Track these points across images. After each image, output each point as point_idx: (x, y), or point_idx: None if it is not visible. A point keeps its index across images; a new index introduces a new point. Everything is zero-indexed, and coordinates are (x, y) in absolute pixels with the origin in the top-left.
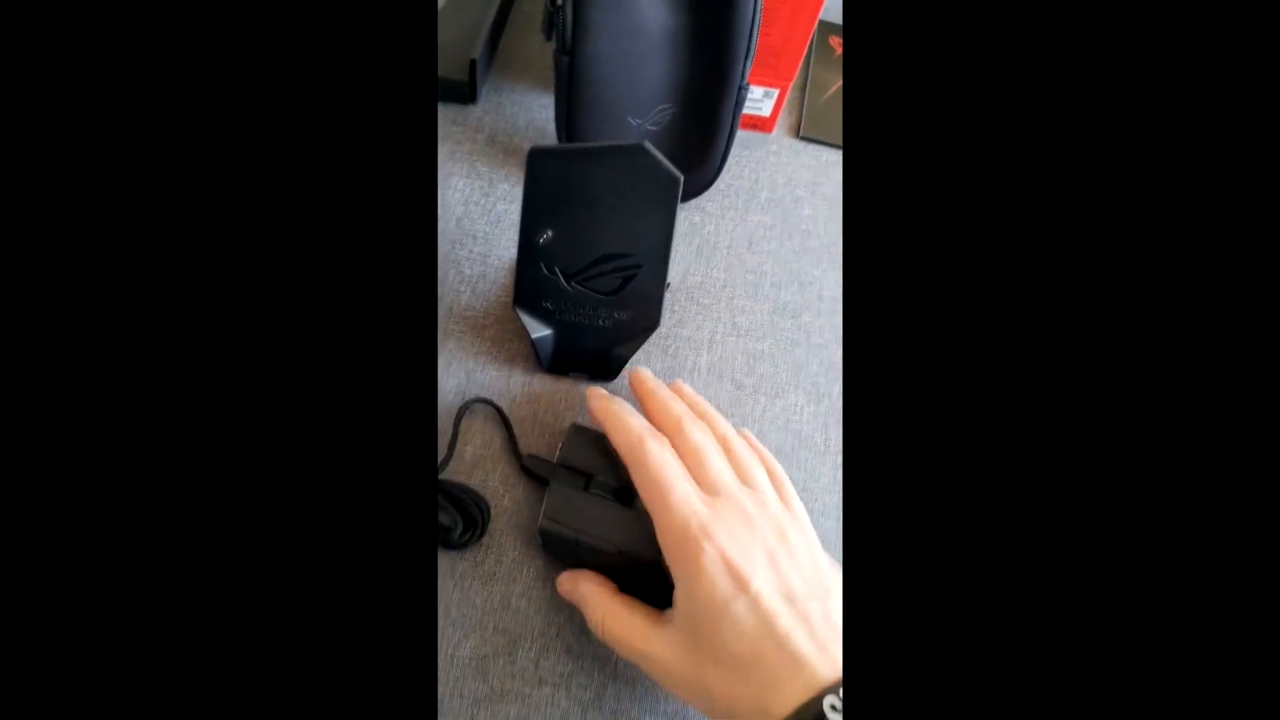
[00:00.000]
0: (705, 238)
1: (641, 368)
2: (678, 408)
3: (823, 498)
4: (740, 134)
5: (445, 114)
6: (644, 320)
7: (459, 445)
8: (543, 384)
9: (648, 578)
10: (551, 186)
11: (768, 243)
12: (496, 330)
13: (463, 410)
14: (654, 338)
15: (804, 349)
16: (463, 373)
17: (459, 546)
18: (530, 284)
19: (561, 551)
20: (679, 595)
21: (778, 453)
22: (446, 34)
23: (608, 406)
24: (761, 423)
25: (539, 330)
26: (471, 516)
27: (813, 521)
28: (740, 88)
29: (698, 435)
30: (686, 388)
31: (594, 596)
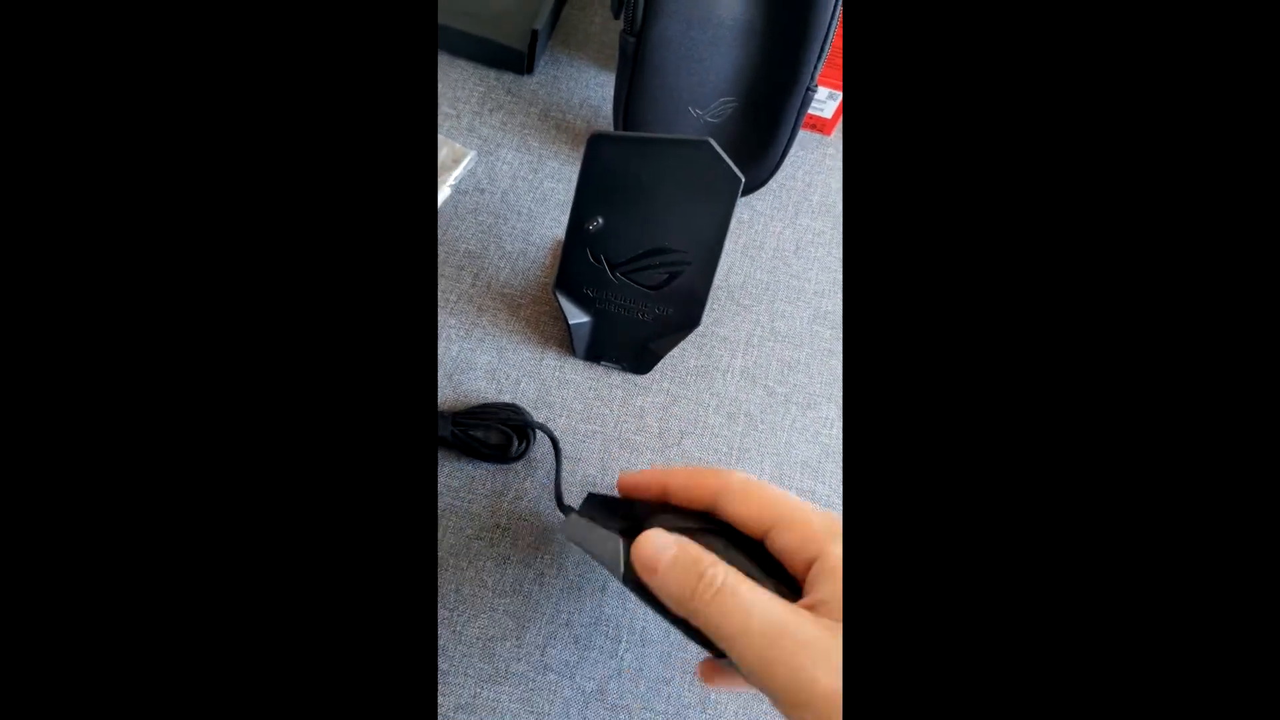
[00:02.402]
0: (752, 237)
1: (624, 472)
2: (708, 474)
3: None
4: (798, 135)
5: (500, 82)
6: (685, 318)
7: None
8: (574, 370)
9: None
10: (608, 173)
11: (815, 248)
12: (532, 311)
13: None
14: (693, 334)
15: (839, 361)
16: (495, 350)
17: (518, 457)
18: (574, 269)
19: (587, 538)
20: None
21: (804, 466)
22: (510, 0)
23: (645, 558)
24: (790, 433)
25: (577, 317)
26: (519, 428)
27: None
28: (808, 89)
29: (753, 481)
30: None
31: (706, 556)
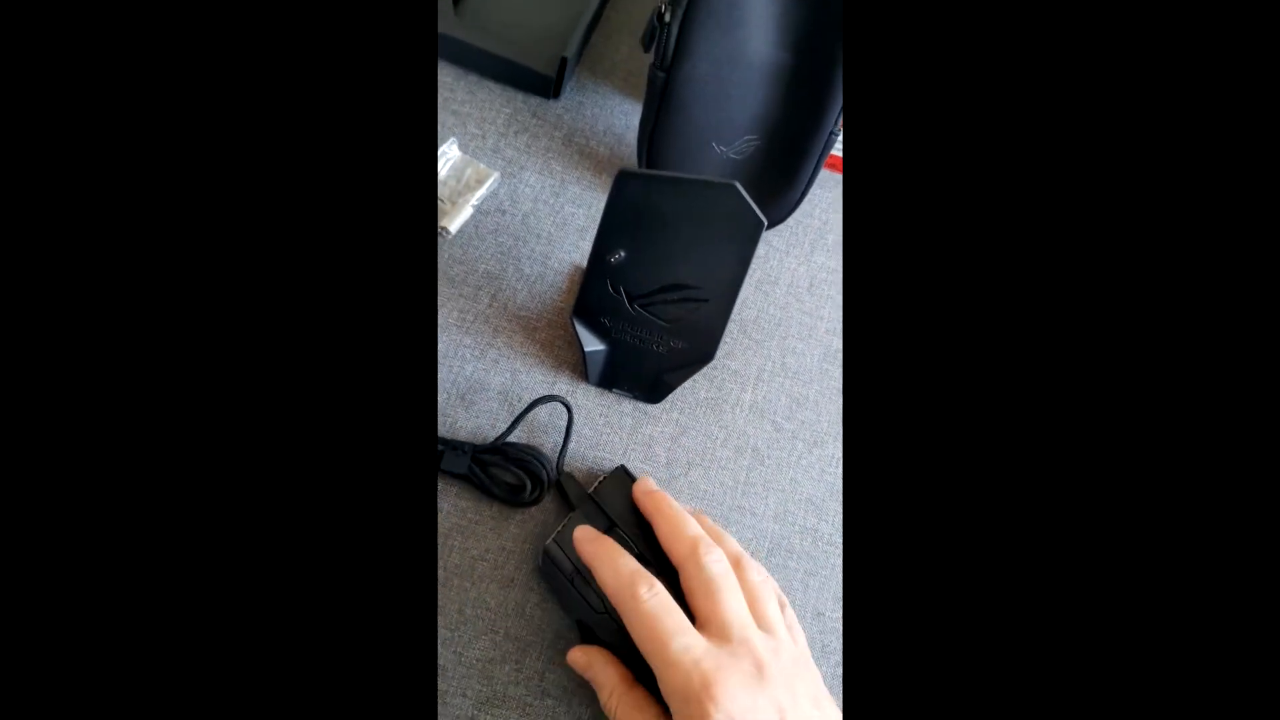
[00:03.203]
0: (767, 272)
1: (645, 478)
2: (692, 530)
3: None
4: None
5: (527, 105)
6: (699, 352)
7: (519, 428)
8: (586, 396)
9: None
10: (633, 208)
11: (829, 287)
12: (548, 335)
13: (537, 402)
14: (703, 368)
15: None
16: (509, 372)
17: (530, 503)
18: (593, 299)
19: (553, 582)
20: None
21: (808, 503)
22: (540, 25)
23: (595, 549)
24: (796, 470)
25: (593, 344)
26: (536, 475)
27: (832, 580)
28: (832, 131)
29: (714, 566)
30: (686, 507)
31: (609, 680)
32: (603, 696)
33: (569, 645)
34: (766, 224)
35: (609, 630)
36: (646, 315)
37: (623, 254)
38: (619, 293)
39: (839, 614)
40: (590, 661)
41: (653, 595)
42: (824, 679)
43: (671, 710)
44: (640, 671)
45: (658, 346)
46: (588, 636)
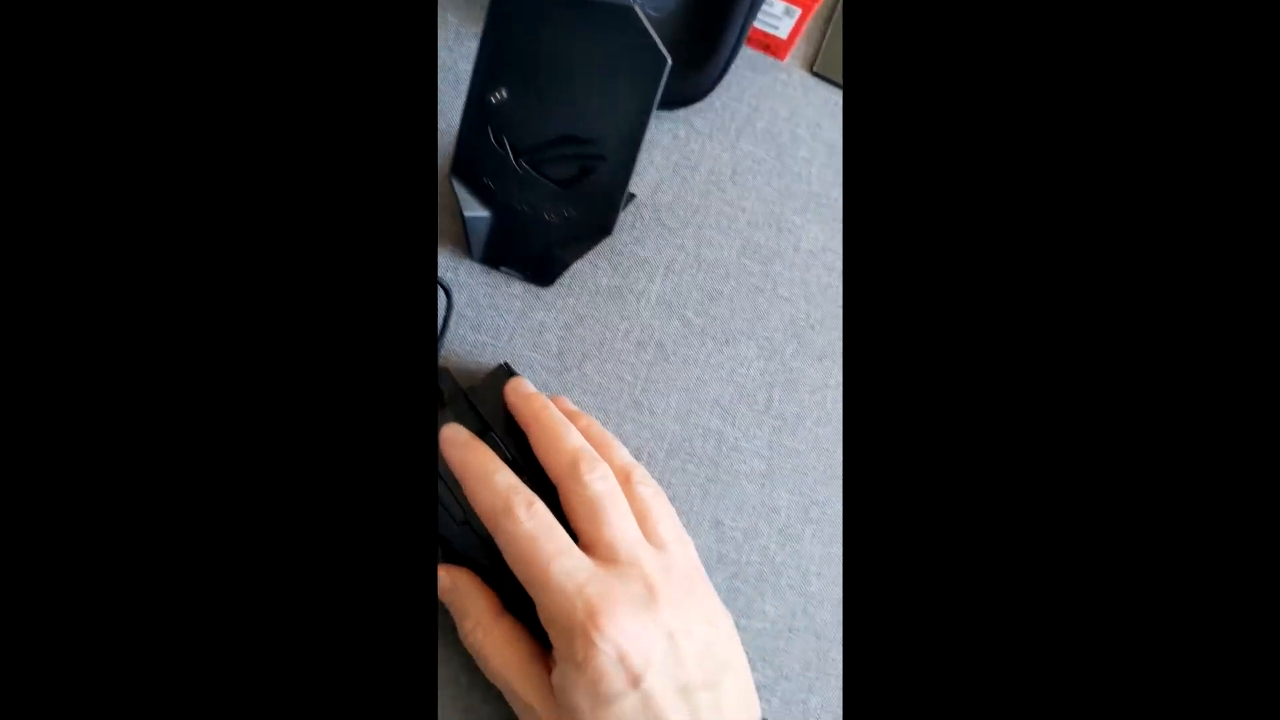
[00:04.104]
0: (685, 156)
1: (520, 379)
2: (572, 442)
3: (751, 461)
4: (748, 53)
5: None
6: (596, 223)
7: None
8: (470, 274)
9: (523, 592)
10: (518, 37)
11: (753, 177)
12: None
13: None
14: (607, 250)
15: (767, 298)
16: None
17: None
18: (474, 153)
19: None
20: (557, 675)
21: (715, 405)
22: None
23: (466, 457)
24: (704, 369)
25: (475, 210)
26: None
27: (734, 488)
28: (754, 1)
29: (597, 484)
30: (569, 403)
31: (473, 608)
32: (465, 627)
33: None
34: (685, 97)
35: (469, 544)
36: (535, 176)
37: (505, 94)
38: (503, 146)
39: (739, 524)
40: (454, 583)
41: (531, 516)
42: (717, 591)
43: (552, 641)
44: (510, 598)
45: (549, 215)
46: (445, 552)
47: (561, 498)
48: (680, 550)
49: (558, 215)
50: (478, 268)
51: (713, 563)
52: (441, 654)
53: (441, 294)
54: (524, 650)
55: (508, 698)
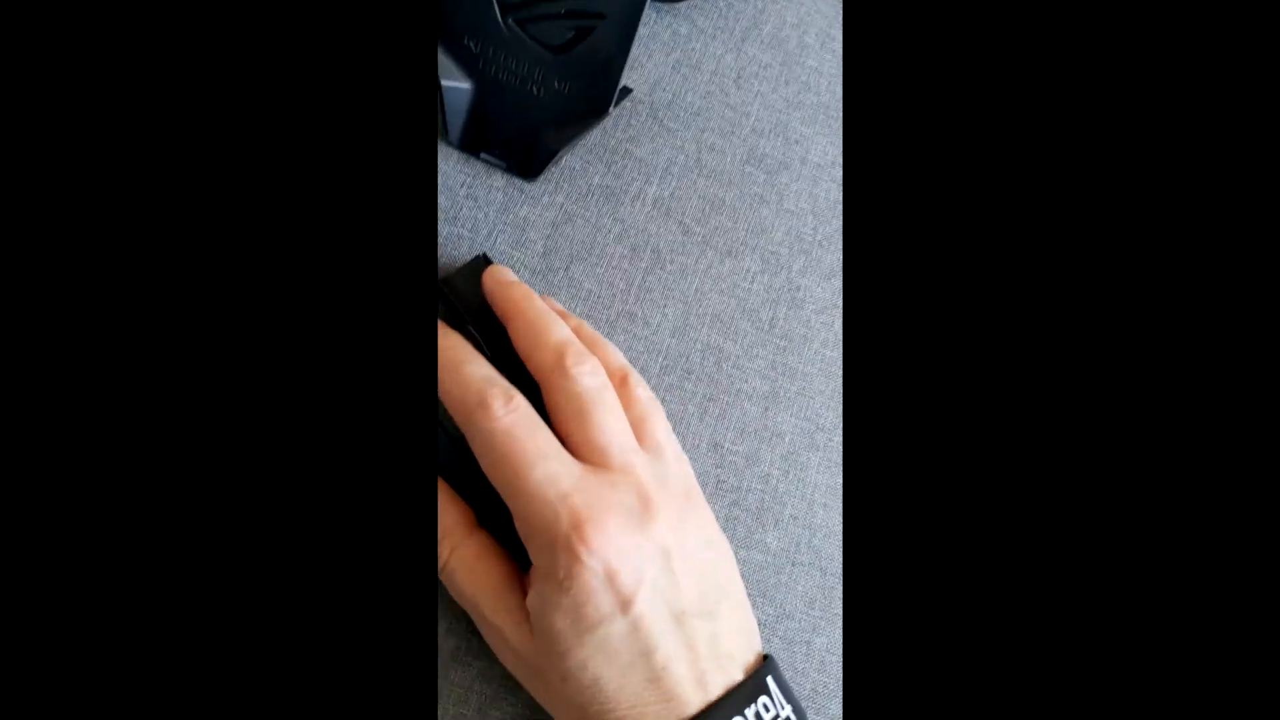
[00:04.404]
0: (688, 54)
1: (500, 267)
2: (559, 334)
3: (753, 381)
4: None
5: None
6: (591, 99)
7: None
8: (445, 160)
9: (499, 504)
10: None
11: (759, 83)
12: None
13: None
14: (600, 147)
15: (772, 211)
16: None
17: None
18: (457, 5)
19: None
20: (534, 596)
21: (715, 320)
22: None
23: (437, 345)
24: (704, 279)
25: (455, 79)
26: None
27: (734, 409)
28: None
29: (586, 379)
30: (556, 304)
31: (443, 520)
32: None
33: None
34: None
35: (441, 445)
36: (524, 36)
37: None
38: (490, 1)
39: (739, 447)
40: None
41: (510, 411)
42: (715, 519)
43: (531, 554)
44: (485, 512)
45: (537, 89)
46: None
47: (545, 395)
48: (677, 464)
49: (548, 89)
50: (454, 154)
51: (710, 489)
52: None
53: None
54: (498, 570)
55: (478, 623)
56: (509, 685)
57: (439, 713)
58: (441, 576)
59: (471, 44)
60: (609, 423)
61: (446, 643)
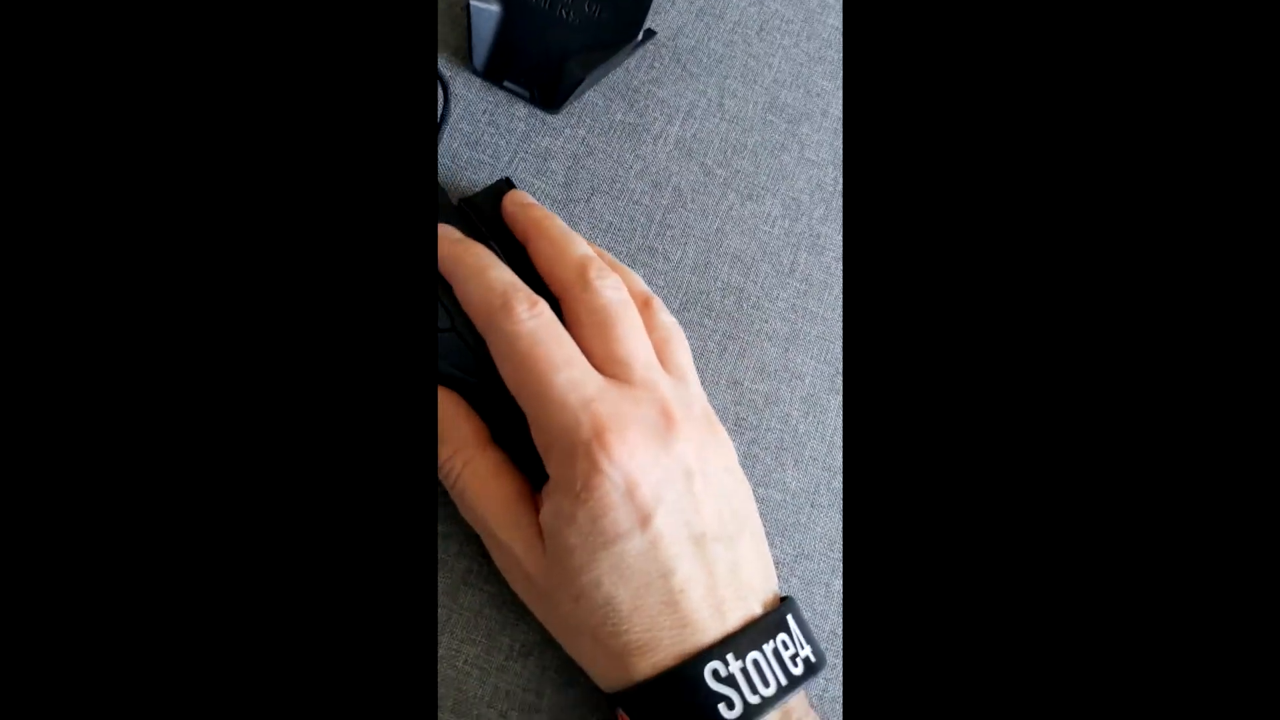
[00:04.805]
0: (711, 4)
1: (520, 192)
2: (580, 249)
3: (774, 322)
4: None
5: None
6: (621, 24)
7: None
8: (468, 87)
9: (516, 418)
10: None
11: (781, 36)
12: None
13: None
14: (622, 85)
15: (793, 159)
16: None
17: None
18: None
19: None
20: (549, 510)
21: (736, 260)
22: None
23: (459, 252)
24: (725, 220)
25: (484, 1)
26: None
27: (754, 347)
28: None
29: (609, 292)
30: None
31: (454, 433)
32: (441, 455)
33: None
34: None
35: (454, 356)
36: None
37: None
38: None
39: (759, 386)
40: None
41: (534, 315)
42: None
43: (548, 465)
44: (501, 427)
45: (567, 12)
46: None
47: (565, 309)
48: (699, 391)
49: (578, 14)
50: (477, 82)
51: (729, 425)
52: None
53: (440, 91)
54: (510, 486)
55: (487, 543)
56: (519, 611)
57: (447, 637)
58: (452, 493)
59: None
60: (633, 336)
61: (458, 564)
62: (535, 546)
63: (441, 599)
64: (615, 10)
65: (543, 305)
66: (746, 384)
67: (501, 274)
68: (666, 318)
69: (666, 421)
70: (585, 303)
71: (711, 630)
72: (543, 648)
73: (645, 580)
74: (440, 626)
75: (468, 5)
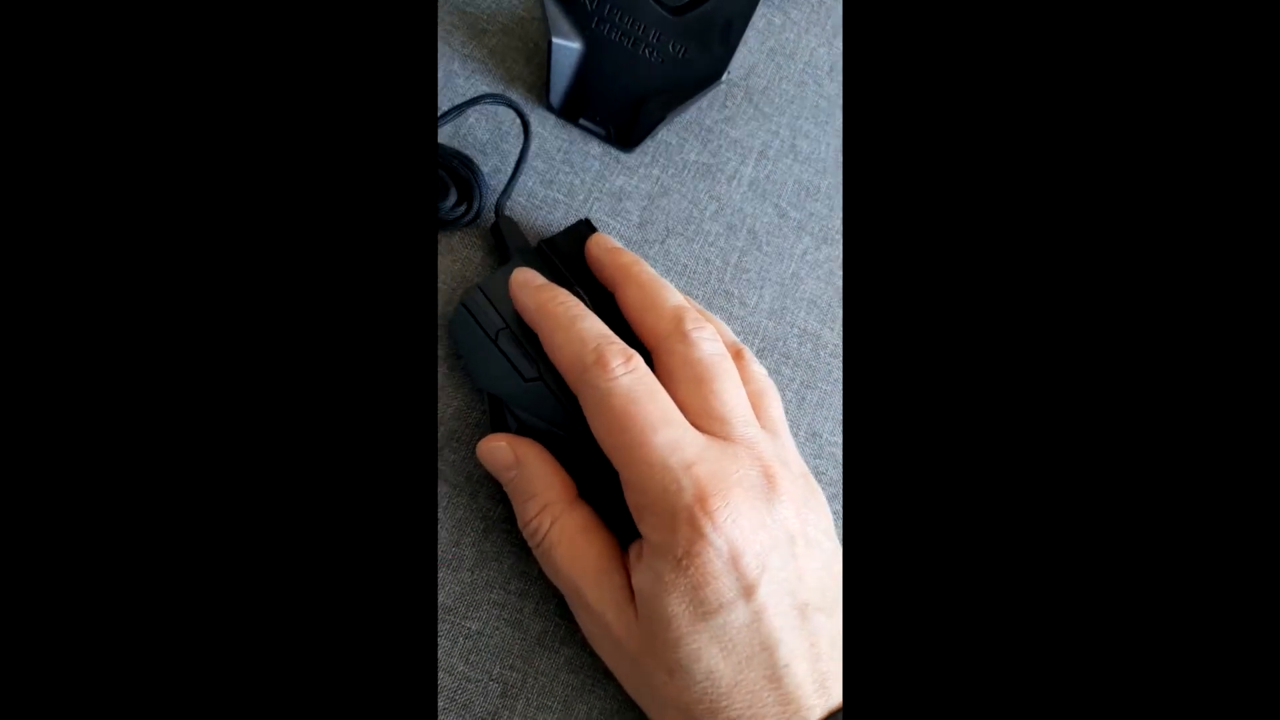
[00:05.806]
0: (782, 44)
1: (605, 235)
2: (674, 298)
3: None
4: None
5: None
6: (705, 66)
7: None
8: (542, 124)
9: (606, 474)
10: None
11: None
12: (500, 41)
13: (482, 99)
14: (695, 125)
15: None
16: (440, 75)
17: (454, 221)
18: None
19: (466, 343)
20: (645, 575)
21: (811, 305)
22: None
23: (546, 300)
24: (800, 264)
25: (565, 38)
26: (466, 184)
27: (833, 397)
28: None
29: (706, 344)
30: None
31: (545, 490)
32: (529, 511)
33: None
34: None
35: (541, 407)
36: None
37: None
38: None
39: (838, 438)
40: (520, 458)
41: (629, 370)
42: None
43: (642, 526)
44: (587, 482)
45: (650, 52)
46: (499, 420)
47: (659, 361)
48: (793, 445)
49: (660, 52)
50: (551, 119)
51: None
52: (487, 549)
53: (514, 118)
54: (601, 546)
55: (573, 605)
56: (599, 675)
57: (521, 703)
58: (537, 551)
59: (587, 1)
60: (731, 392)
61: (534, 625)
62: (626, 611)
63: (515, 662)
64: (701, 52)
65: (637, 360)
66: (825, 435)
67: (593, 325)
68: (759, 369)
69: (768, 482)
70: (682, 355)
71: (816, 708)
72: (623, 714)
73: (748, 654)
74: (515, 692)
75: (549, 42)
